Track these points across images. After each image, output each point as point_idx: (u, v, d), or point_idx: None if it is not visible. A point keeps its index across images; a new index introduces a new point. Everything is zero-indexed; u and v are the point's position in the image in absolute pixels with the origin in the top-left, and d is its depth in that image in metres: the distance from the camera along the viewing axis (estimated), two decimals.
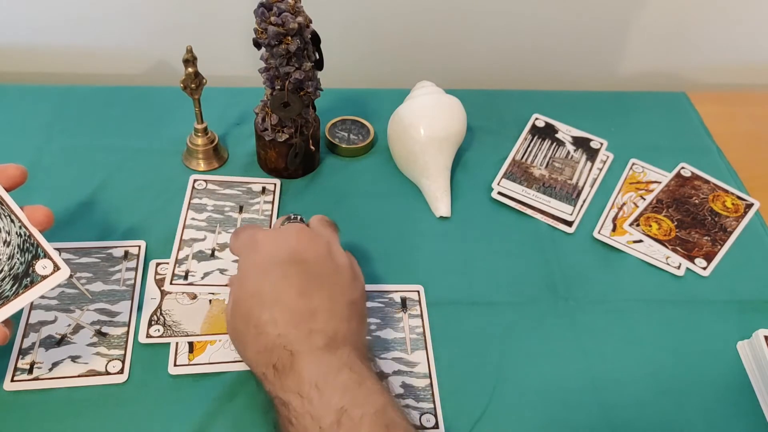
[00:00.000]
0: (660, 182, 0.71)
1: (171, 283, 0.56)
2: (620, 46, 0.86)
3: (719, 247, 0.65)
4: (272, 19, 0.55)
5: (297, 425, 0.41)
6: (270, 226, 0.63)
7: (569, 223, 0.66)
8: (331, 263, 0.48)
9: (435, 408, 0.51)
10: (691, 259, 0.64)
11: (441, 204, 0.66)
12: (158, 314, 0.54)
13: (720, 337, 0.58)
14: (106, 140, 0.69)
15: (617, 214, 0.68)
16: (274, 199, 0.65)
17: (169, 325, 0.54)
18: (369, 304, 0.57)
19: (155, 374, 0.51)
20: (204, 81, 0.62)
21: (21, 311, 0.53)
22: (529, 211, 0.67)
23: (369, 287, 0.58)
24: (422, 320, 0.57)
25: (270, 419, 0.45)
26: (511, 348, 0.56)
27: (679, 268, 0.63)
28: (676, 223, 0.67)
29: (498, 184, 0.69)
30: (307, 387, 0.42)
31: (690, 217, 0.67)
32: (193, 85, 0.62)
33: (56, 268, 0.44)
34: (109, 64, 0.81)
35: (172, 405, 0.50)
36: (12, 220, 0.45)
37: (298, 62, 0.58)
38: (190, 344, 0.53)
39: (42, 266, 0.44)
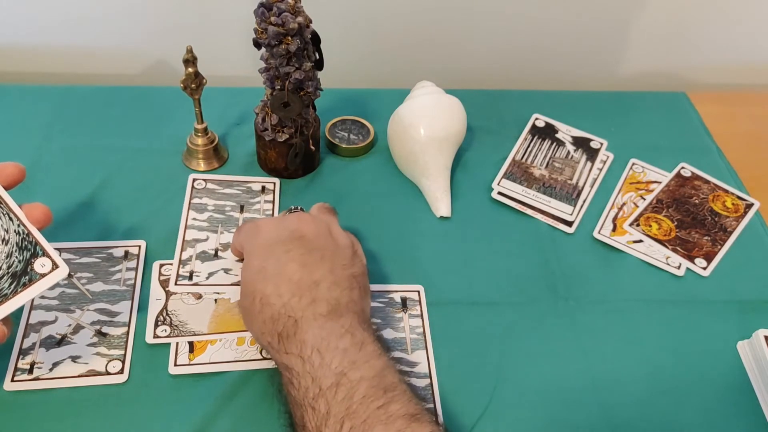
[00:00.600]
0: (660, 182, 0.71)
1: (176, 284, 0.57)
2: (620, 46, 0.86)
3: (719, 247, 0.65)
4: (272, 19, 0.55)
5: (299, 387, 0.43)
6: None
7: (569, 223, 0.66)
8: (331, 241, 0.50)
9: (435, 408, 0.51)
10: (691, 259, 0.64)
11: (441, 204, 0.66)
12: (164, 314, 0.55)
13: (720, 337, 0.58)
14: (106, 140, 0.69)
15: (617, 214, 0.68)
16: (274, 198, 0.66)
17: (176, 325, 0.54)
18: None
19: (155, 374, 0.51)
20: (204, 81, 0.62)
21: (20, 310, 0.53)
22: (529, 211, 0.67)
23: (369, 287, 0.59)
24: (422, 320, 0.57)
25: (275, 383, 0.47)
26: (511, 348, 0.56)
27: (679, 268, 0.63)
28: (676, 223, 0.67)
29: (498, 184, 0.69)
30: (309, 351, 0.43)
31: (690, 217, 0.67)
32: (193, 85, 0.62)
33: (55, 266, 0.44)
34: (109, 64, 0.81)
35: (173, 405, 0.50)
36: (10, 218, 0.45)
37: (298, 62, 0.58)
38: (191, 344, 0.53)
39: (40, 264, 0.44)
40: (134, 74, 0.83)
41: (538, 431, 0.51)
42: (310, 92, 0.61)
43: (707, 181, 0.72)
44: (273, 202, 0.65)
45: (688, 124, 0.79)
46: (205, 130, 0.66)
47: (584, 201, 0.69)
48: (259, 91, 0.64)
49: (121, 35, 0.79)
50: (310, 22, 0.57)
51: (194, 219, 0.62)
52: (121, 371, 0.51)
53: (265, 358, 0.52)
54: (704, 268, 0.63)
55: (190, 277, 0.57)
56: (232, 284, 0.57)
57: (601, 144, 0.75)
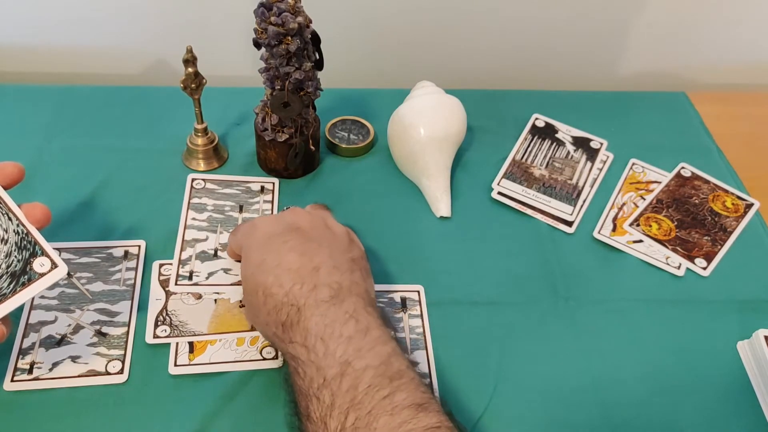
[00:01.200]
0: (660, 182, 0.71)
1: (176, 284, 0.57)
2: (620, 46, 0.86)
3: (719, 247, 0.65)
4: (272, 19, 0.55)
5: (304, 377, 0.42)
6: None
7: (569, 223, 0.66)
8: (327, 230, 0.51)
9: None
10: (691, 259, 0.64)
11: (441, 204, 0.66)
12: (164, 314, 0.55)
13: (720, 337, 0.58)
14: (106, 140, 0.69)
15: (617, 214, 0.68)
16: (273, 198, 0.66)
17: (176, 325, 0.54)
18: None
19: (155, 374, 0.51)
20: (204, 81, 0.62)
21: (20, 310, 0.53)
22: (529, 211, 0.67)
23: None
24: (422, 320, 0.57)
25: (282, 371, 0.48)
26: (511, 348, 0.56)
27: (679, 268, 0.63)
28: (676, 223, 0.67)
29: (498, 184, 0.69)
30: (313, 340, 0.43)
31: (690, 217, 0.67)
32: (193, 85, 0.62)
33: (54, 265, 0.44)
34: (109, 64, 0.81)
35: (173, 405, 0.50)
36: (10, 218, 0.45)
37: (298, 62, 0.58)
38: (191, 344, 0.53)
39: (40, 264, 0.44)
40: (134, 74, 0.83)
41: (538, 431, 0.51)
42: (310, 92, 0.61)
43: (707, 181, 0.71)
44: (272, 202, 0.65)
45: (688, 124, 0.79)
46: (205, 130, 0.66)
47: (584, 201, 0.69)
48: (259, 91, 0.64)
49: (121, 35, 0.79)
50: (310, 22, 0.57)
51: (193, 219, 0.62)
52: (121, 371, 0.51)
53: (264, 359, 0.52)
54: (704, 268, 0.63)
55: (190, 277, 0.57)
56: (231, 284, 0.57)
57: (601, 144, 0.75)
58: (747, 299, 0.61)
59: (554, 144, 0.74)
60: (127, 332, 0.53)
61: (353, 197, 0.67)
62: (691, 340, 0.58)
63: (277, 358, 0.53)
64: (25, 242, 0.45)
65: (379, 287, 0.59)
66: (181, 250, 0.59)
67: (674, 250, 0.64)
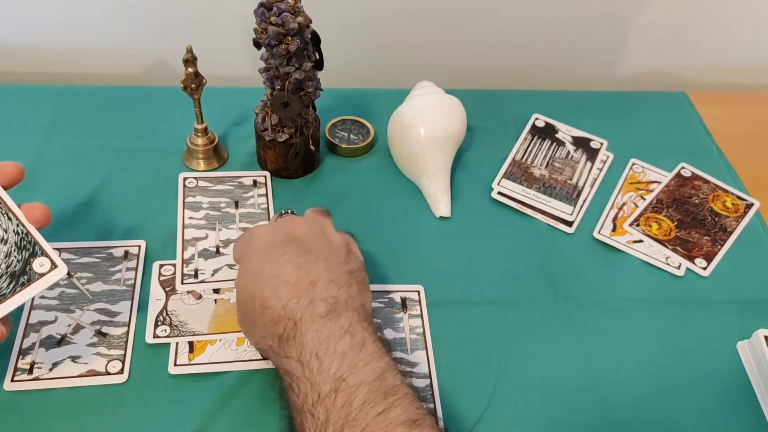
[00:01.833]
0: (660, 182, 0.71)
1: (182, 283, 0.57)
2: (620, 46, 0.86)
3: (719, 247, 0.65)
4: (272, 19, 0.55)
5: (298, 393, 0.42)
6: (268, 221, 0.63)
7: (569, 223, 0.66)
8: (324, 240, 0.50)
9: (435, 408, 0.51)
10: (691, 259, 0.64)
11: (441, 204, 0.66)
12: (164, 314, 0.55)
13: (720, 337, 0.58)
14: (106, 140, 0.69)
15: (617, 214, 0.68)
16: (267, 191, 0.66)
17: (176, 325, 0.54)
18: None
19: (155, 374, 0.51)
20: (204, 81, 0.62)
21: (20, 310, 0.53)
22: (529, 211, 0.67)
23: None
24: (422, 320, 0.57)
25: (276, 386, 0.47)
26: (511, 348, 0.56)
27: (679, 268, 0.63)
28: (676, 223, 0.67)
29: (498, 184, 0.69)
30: (308, 355, 0.43)
31: (690, 217, 0.67)
32: (193, 85, 0.62)
33: (53, 265, 0.44)
34: (109, 64, 0.81)
35: (172, 405, 0.50)
36: (9, 218, 0.45)
37: (298, 62, 0.58)
38: (191, 344, 0.53)
39: (39, 264, 0.44)
40: (134, 74, 0.83)
41: (538, 431, 0.51)
42: (310, 92, 0.61)
43: (707, 181, 0.71)
44: (266, 195, 0.65)
45: (688, 124, 0.79)
46: (205, 130, 0.66)
47: (584, 201, 0.69)
48: (259, 91, 0.64)
49: (121, 35, 0.79)
50: (310, 22, 0.57)
51: (191, 218, 0.62)
52: (121, 371, 0.51)
53: (264, 359, 0.52)
54: (704, 268, 0.63)
55: (196, 275, 0.57)
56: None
57: (601, 144, 0.75)
58: (747, 299, 0.61)
59: (554, 144, 0.74)
60: (127, 332, 0.53)
61: (353, 197, 0.67)
62: (691, 340, 0.58)
63: None
64: (24, 242, 0.45)
65: (379, 287, 0.59)
66: (183, 249, 0.59)
67: (674, 250, 0.64)
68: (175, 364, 0.52)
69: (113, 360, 0.52)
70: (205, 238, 0.61)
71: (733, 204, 0.69)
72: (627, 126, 0.78)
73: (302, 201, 0.66)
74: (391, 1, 0.78)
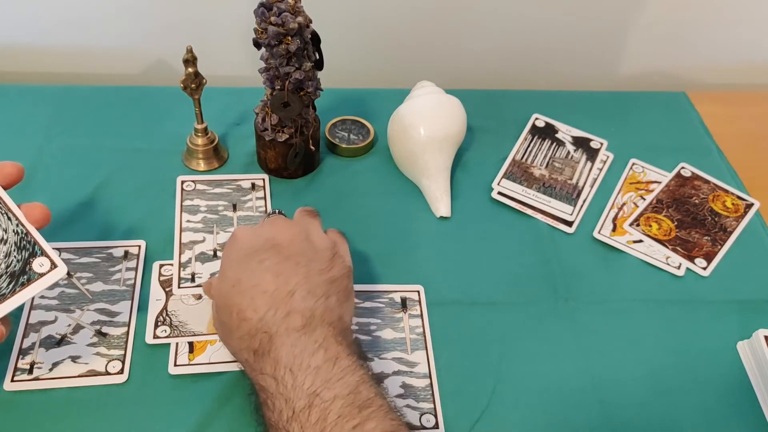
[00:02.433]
0: (660, 182, 0.71)
1: (179, 287, 0.57)
2: (620, 46, 0.86)
3: (719, 247, 0.65)
4: (272, 19, 0.55)
5: (273, 409, 0.42)
6: None
7: (569, 223, 0.66)
8: (307, 245, 0.49)
9: (435, 408, 0.51)
10: (691, 259, 0.64)
11: (441, 204, 0.66)
12: (164, 315, 0.55)
13: (720, 337, 0.58)
14: (106, 140, 0.69)
15: (617, 214, 0.68)
16: (265, 194, 0.66)
17: (176, 326, 0.54)
18: (369, 304, 0.57)
19: (155, 374, 0.51)
20: (204, 81, 0.62)
21: (20, 310, 0.53)
22: (529, 211, 0.67)
23: (369, 287, 0.59)
24: (422, 320, 0.57)
25: (252, 402, 0.46)
26: (511, 348, 0.56)
27: (679, 268, 0.63)
28: (676, 223, 0.67)
29: (498, 184, 0.69)
30: (282, 371, 0.42)
31: (690, 217, 0.67)
32: (193, 85, 0.62)
33: (53, 265, 0.44)
34: (109, 64, 0.81)
35: (172, 405, 0.50)
36: (9, 218, 0.45)
37: (298, 62, 0.58)
38: (191, 344, 0.53)
39: (39, 264, 0.44)
40: (134, 74, 0.83)
41: (538, 431, 0.51)
42: (310, 92, 0.61)
43: (707, 181, 0.71)
44: (264, 198, 0.65)
45: (688, 124, 0.79)
46: (205, 130, 0.66)
47: (584, 201, 0.69)
48: (259, 91, 0.64)
49: (121, 35, 0.79)
50: (310, 22, 0.57)
51: (188, 221, 0.62)
52: (121, 371, 0.51)
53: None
54: (704, 268, 0.63)
55: (193, 279, 0.57)
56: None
57: (601, 144, 0.75)
58: (747, 299, 0.61)
59: (554, 144, 0.74)
60: (127, 332, 0.53)
61: (353, 197, 0.67)
62: (691, 340, 0.58)
63: None
64: (24, 242, 0.45)
65: (379, 287, 0.59)
66: (180, 253, 0.59)
67: (674, 250, 0.64)
68: (175, 365, 0.52)
69: (113, 360, 0.52)
70: (203, 241, 0.60)
71: (733, 204, 0.69)
72: (627, 126, 0.78)
73: (302, 201, 0.66)
74: (391, 1, 0.78)
